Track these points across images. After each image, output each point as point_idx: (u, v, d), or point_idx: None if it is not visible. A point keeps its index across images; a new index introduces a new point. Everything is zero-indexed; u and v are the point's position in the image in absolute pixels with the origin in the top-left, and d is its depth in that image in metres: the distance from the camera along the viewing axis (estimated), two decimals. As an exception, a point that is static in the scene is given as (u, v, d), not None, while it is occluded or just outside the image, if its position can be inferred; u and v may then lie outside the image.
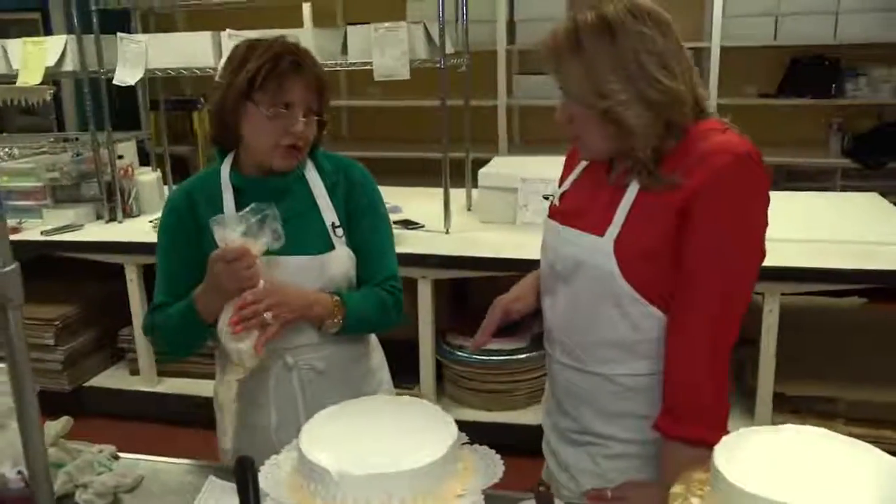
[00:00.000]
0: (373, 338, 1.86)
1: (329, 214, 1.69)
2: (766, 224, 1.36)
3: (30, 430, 1.02)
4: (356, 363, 1.78)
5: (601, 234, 1.39)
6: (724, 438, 1.16)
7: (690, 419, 1.33)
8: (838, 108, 4.93)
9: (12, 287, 0.89)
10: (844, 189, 4.62)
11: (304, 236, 1.65)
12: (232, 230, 1.50)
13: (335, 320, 1.64)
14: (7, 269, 0.88)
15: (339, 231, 1.69)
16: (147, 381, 3.46)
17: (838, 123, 4.95)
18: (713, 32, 4.57)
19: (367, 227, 1.73)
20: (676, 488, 1.19)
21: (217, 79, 1.66)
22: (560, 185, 1.59)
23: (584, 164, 1.55)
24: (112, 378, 3.58)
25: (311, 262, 1.65)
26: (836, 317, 3.48)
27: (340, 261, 1.68)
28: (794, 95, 4.81)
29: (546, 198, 1.63)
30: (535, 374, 3.12)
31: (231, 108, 1.59)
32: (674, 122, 1.34)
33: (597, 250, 1.39)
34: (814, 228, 3.06)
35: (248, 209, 1.52)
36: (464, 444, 1.29)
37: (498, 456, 1.28)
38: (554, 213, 1.54)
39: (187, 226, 1.68)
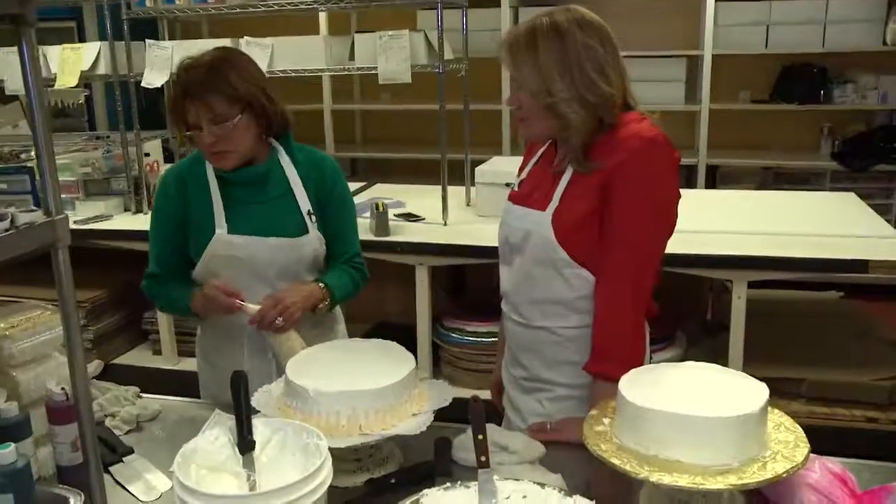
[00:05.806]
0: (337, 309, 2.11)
1: (304, 201, 1.94)
2: (676, 195, 1.63)
3: (75, 353, 1.23)
4: (319, 322, 2.02)
5: (544, 209, 1.66)
6: (631, 371, 1.42)
7: (613, 360, 1.59)
8: (828, 114, 5.10)
9: (61, 231, 1.16)
10: (833, 191, 4.80)
11: (283, 220, 1.91)
12: None
13: (325, 304, 1.91)
14: (59, 217, 1.15)
15: (313, 217, 1.94)
16: (168, 360, 3.73)
17: (829, 128, 5.13)
18: (705, 41, 4.79)
19: (336, 213, 2.00)
20: (593, 412, 1.45)
21: None
22: (519, 174, 1.87)
23: (537, 155, 1.82)
24: (136, 357, 3.83)
25: (287, 243, 1.91)
26: (812, 309, 3.66)
27: (312, 243, 1.94)
28: (784, 101, 4.99)
29: (508, 185, 1.91)
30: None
31: None
32: (604, 119, 1.61)
33: (539, 223, 1.66)
34: (783, 223, 3.26)
35: None
36: (422, 378, 1.56)
37: (449, 387, 1.55)
38: (511, 196, 1.82)
39: (175, 203, 1.93)
